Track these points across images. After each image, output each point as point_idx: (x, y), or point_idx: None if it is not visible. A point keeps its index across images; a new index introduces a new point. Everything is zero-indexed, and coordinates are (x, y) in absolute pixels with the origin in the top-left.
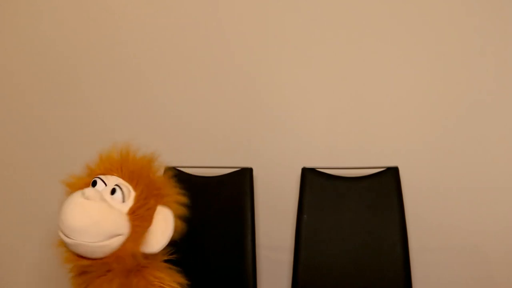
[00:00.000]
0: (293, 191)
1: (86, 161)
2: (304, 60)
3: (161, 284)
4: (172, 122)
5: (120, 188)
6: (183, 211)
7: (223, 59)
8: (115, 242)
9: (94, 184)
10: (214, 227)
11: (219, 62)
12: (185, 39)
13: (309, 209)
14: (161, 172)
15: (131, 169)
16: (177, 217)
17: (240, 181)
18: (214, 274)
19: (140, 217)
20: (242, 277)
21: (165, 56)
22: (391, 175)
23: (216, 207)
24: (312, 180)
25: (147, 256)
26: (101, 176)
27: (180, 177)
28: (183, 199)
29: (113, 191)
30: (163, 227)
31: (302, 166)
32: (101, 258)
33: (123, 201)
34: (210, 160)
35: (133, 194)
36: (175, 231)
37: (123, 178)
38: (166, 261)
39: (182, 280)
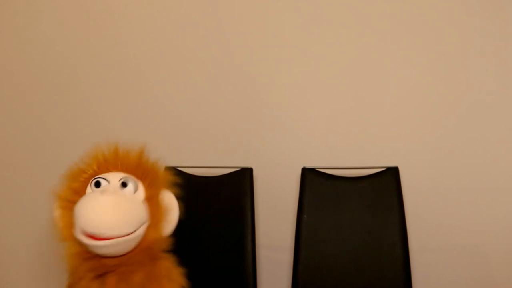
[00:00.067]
0: (293, 191)
1: (82, 161)
2: (304, 60)
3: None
4: (172, 122)
5: (129, 180)
6: (177, 191)
7: (223, 59)
8: (141, 231)
9: (97, 185)
10: (214, 227)
11: (219, 62)
12: (185, 39)
13: (309, 209)
14: (151, 160)
15: (128, 162)
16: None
17: (240, 181)
18: (214, 274)
19: (155, 203)
20: (242, 277)
21: (165, 56)
22: (391, 175)
23: (216, 207)
24: (312, 180)
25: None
26: (102, 175)
27: (180, 177)
28: (175, 179)
29: (123, 185)
30: (171, 209)
31: (302, 166)
32: (126, 254)
33: (135, 192)
34: (210, 160)
35: (140, 184)
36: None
37: (124, 172)
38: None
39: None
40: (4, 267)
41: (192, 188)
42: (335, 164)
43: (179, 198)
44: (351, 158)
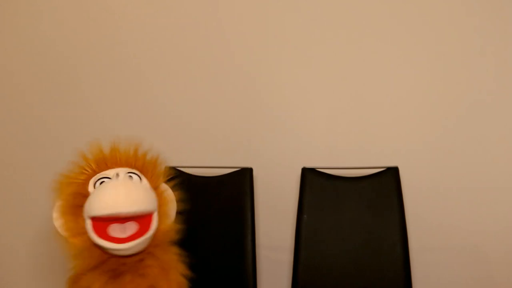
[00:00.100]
0: (293, 191)
1: (68, 164)
2: (304, 60)
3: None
4: (172, 122)
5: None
6: (177, 189)
7: (223, 59)
8: (156, 222)
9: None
10: (214, 227)
11: (219, 62)
12: (185, 39)
13: (309, 209)
14: (148, 154)
15: (127, 157)
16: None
17: (240, 181)
18: (214, 274)
19: (161, 193)
20: (242, 277)
21: (165, 56)
22: (391, 175)
23: (216, 207)
24: (312, 180)
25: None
26: (104, 174)
27: (180, 177)
28: (170, 172)
29: (130, 176)
30: (172, 201)
31: (302, 166)
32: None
33: (140, 182)
34: (210, 160)
35: (143, 177)
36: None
37: (125, 167)
38: None
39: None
40: (4, 267)
41: (192, 188)
42: (335, 164)
43: (177, 195)
44: (351, 158)
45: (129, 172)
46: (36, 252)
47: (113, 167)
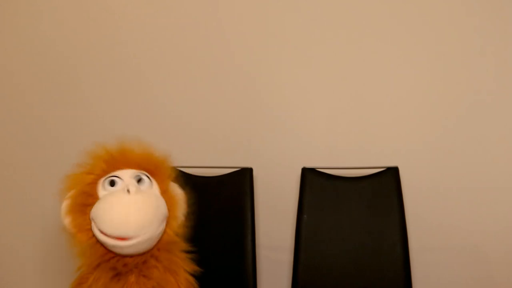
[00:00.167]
0: (293, 191)
1: (78, 160)
2: (304, 60)
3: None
4: (172, 122)
5: (143, 176)
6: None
7: (223, 59)
8: (164, 226)
9: (112, 183)
10: (214, 227)
11: (219, 62)
12: (185, 39)
13: (309, 209)
14: (157, 154)
15: (137, 157)
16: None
17: (240, 181)
18: (214, 274)
19: (169, 197)
20: (242, 277)
21: (165, 56)
22: (391, 175)
23: (216, 207)
24: (312, 180)
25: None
26: (114, 174)
27: (180, 177)
28: (175, 171)
29: (139, 180)
30: (181, 202)
31: (302, 166)
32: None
33: (150, 186)
34: (210, 160)
35: (153, 180)
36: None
37: (134, 168)
38: None
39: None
40: (4, 267)
41: (192, 188)
42: (335, 164)
43: (186, 197)
44: (351, 158)
45: (138, 174)
46: (36, 252)
47: (123, 168)
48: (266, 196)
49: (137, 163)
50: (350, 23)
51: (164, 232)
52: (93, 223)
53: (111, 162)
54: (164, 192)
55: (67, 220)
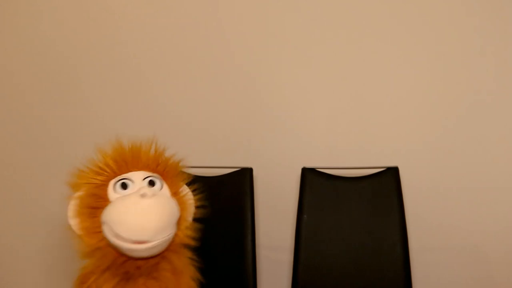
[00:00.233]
0: (293, 191)
1: (86, 160)
2: (304, 60)
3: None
4: (172, 122)
5: (155, 179)
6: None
7: (223, 59)
8: (176, 226)
9: (124, 186)
10: (214, 227)
11: (219, 62)
12: (185, 39)
13: (309, 209)
14: (168, 155)
15: (148, 160)
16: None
17: (240, 181)
18: (214, 274)
19: (181, 199)
20: (242, 277)
21: (165, 56)
22: (391, 175)
23: (216, 207)
24: (312, 180)
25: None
26: (125, 176)
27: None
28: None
29: (151, 183)
30: (190, 204)
31: (302, 166)
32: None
33: (161, 189)
34: (210, 160)
35: (164, 183)
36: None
37: (145, 170)
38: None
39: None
40: (4, 267)
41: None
42: (335, 164)
43: (196, 199)
44: (351, 158)
45: (149, 176)
46: (36, 252)
47: (133, 170)
48: (266, 196)
49: (147, 164)
50: (350, 23)
51: (175, 234)
52: (104, 226)
53: (121, 164)
54: (175, 194)
55: (73, 222)
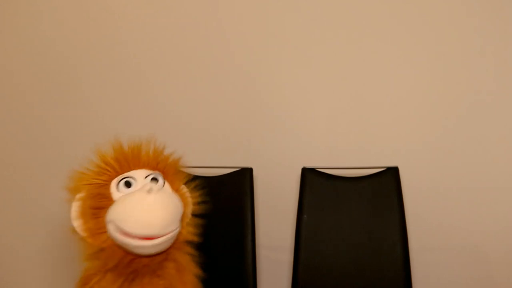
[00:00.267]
0: (293, 191)
1: (86, 161)
2: (304, 60)
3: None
4: (172, 122)
5: (157, 176)
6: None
7: (223, 59)
8: (180, 222)
9: (128, 184)
10: (214, 227)
11: (219, 62)
12: (185, 39)
13: (309, 209)
14: (167, 154)
15: (149, 158)
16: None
17: (240, 181)
18: (214, 274)
19: (183, 194)
20: (242, 277)
21: (165, 56)
22: (391, 175)
23: (216, 207)
24: (312, 180)
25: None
26: (128, 175)
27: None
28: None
29: (154, 180)
30: (189, 202)
31: (302, 166)
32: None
33: (163, 185)
34: (210, 160)
35: (165, 181)
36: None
37: (147, 168)
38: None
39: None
40: (4, 267)
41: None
42: (335, 164)
43: (195, 197)
44: (351, 158)
45: (151, 174)
46: (36, 252)
47: (135, 168)
48: (266, 196)
49: (148, 163)
50: (350, 23)
51: (179, 231)
52: (110, 226)
53: (123, 163)
54: (176, 191)
55: (77, 223)
